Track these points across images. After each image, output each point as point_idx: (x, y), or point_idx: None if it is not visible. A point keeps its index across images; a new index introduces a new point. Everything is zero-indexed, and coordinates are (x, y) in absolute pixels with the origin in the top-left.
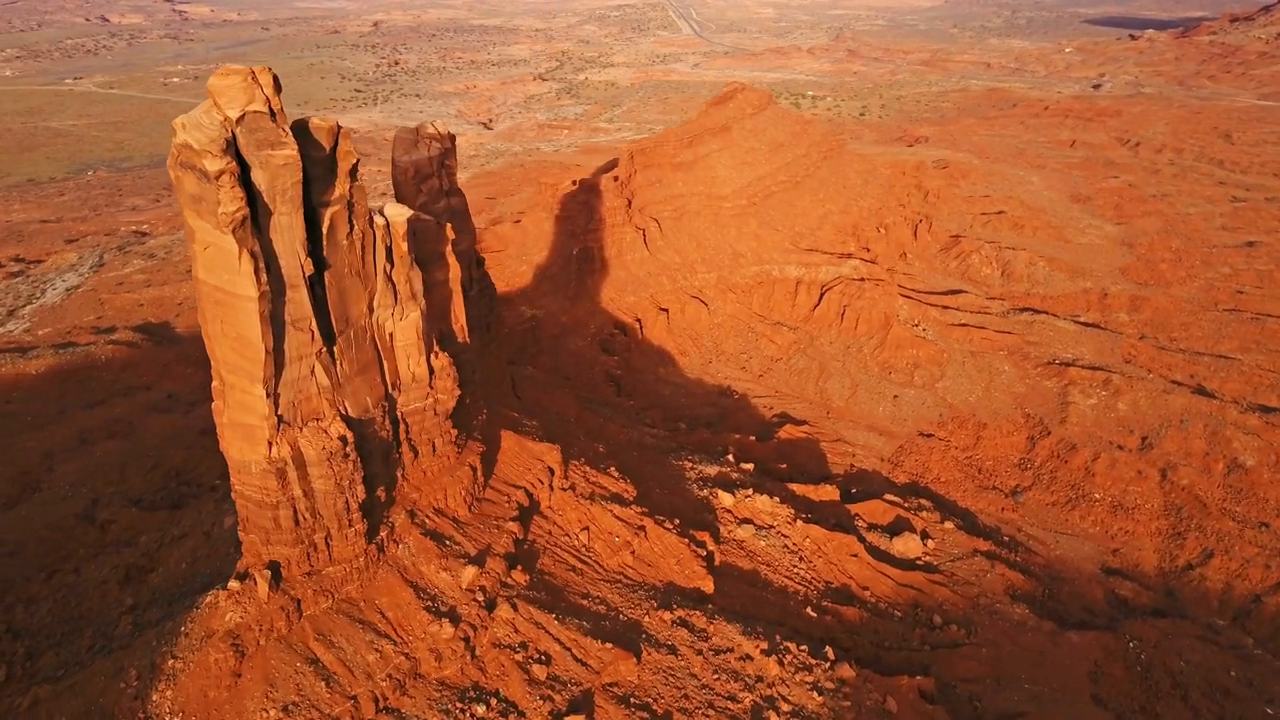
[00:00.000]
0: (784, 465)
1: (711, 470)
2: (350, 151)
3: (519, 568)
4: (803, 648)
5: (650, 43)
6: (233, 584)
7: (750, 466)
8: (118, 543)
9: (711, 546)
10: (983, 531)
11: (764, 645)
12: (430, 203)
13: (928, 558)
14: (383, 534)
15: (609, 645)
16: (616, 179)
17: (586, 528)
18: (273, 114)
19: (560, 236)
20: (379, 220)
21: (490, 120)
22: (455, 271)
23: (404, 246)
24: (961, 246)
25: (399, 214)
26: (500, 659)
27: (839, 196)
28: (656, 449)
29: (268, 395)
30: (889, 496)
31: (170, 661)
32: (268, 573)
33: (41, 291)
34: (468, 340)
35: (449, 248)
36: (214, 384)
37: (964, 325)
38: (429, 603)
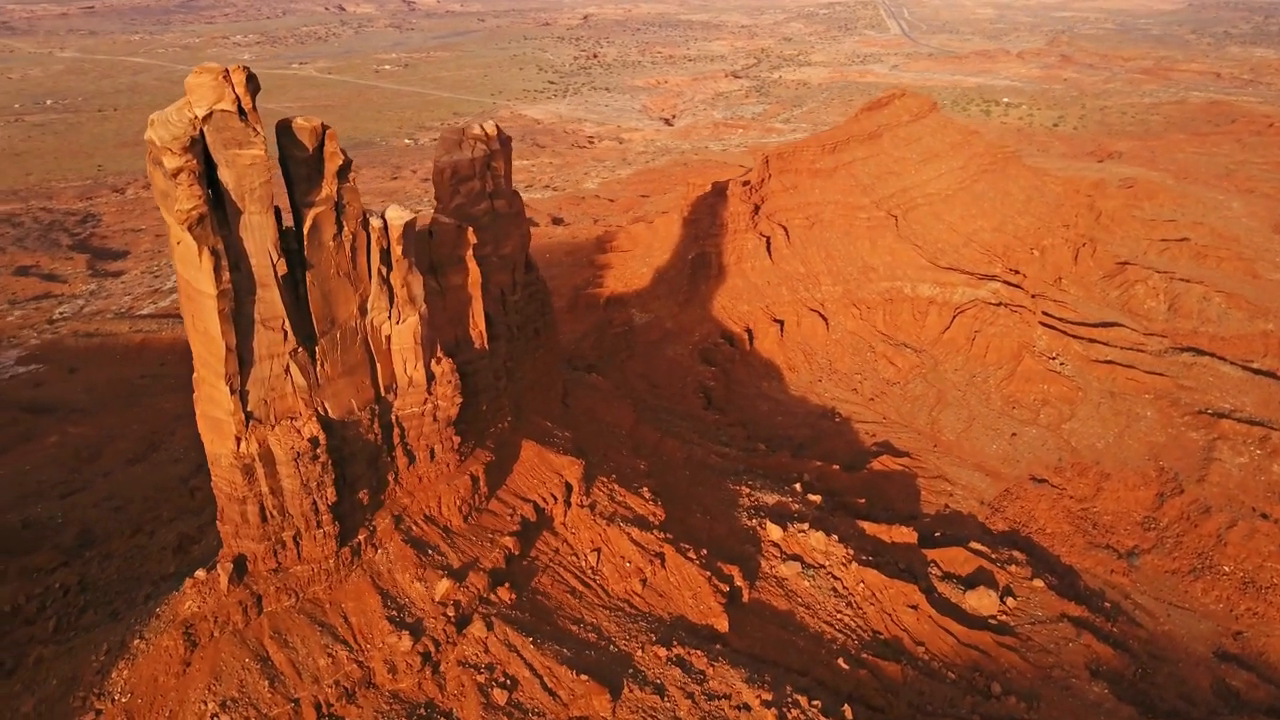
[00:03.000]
0: (863, 500)
1: (770, 499)
2: (337, 153)
3: (506, 584)
4: (815, 702)
5: (853, 42)
6: (199, 573)
7: (818, 498)
8: (194, 510)
9: (740, 582)
10: (1080, 594)
11: (767, 695)
12: (468, 205)
13: (1003, 617)
14: (361, 537)
15: (584, 677)
16: (747, 184)
17: (599, 550)
18: (243, 113)
19: (684, 240)
20: (374, 222)
21: (672, 117)
22: (475, 276)
23: (399, 249)
24: (1126, 275)
25: (398, 217)
26: (462, 678)
27: (994, 213)
28: (718, 470)
29: (232, 391)
30: (974, 544)
31: (136, 641)
32: (230, 565)
33: None
34: (485, 347)
35: (469, 252)
36: (194, 375)
37: (1109, 362)
38: (394, 612)
